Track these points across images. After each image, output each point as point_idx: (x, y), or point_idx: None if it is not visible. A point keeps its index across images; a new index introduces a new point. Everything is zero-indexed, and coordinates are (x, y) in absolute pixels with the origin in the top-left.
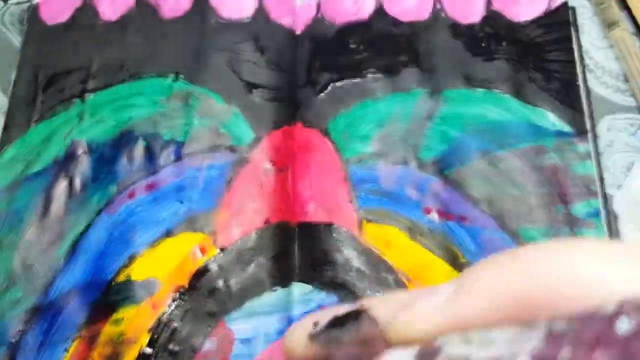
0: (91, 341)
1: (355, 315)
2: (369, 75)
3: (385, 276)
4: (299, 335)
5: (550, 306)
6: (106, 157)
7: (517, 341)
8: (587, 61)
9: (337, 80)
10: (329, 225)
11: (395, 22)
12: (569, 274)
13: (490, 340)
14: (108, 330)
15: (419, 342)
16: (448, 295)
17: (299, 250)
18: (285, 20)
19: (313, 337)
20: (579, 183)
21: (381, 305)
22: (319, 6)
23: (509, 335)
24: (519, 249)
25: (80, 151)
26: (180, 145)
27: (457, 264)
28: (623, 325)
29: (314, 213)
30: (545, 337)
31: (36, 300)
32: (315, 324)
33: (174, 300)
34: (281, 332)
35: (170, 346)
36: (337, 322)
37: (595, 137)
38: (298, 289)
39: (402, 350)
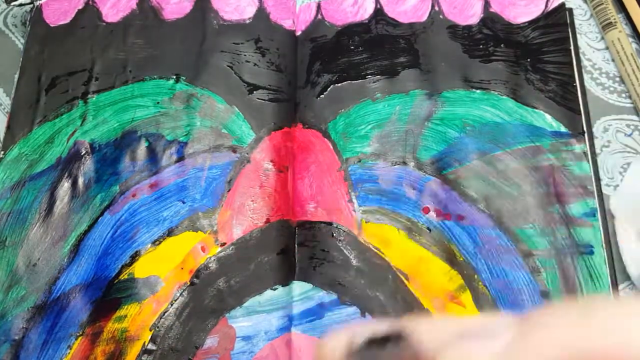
0: (94, 338)
1: (397, 339)
2: (369, 77)
3: (384, 275)
4: (333, 350)
5: None
6: (109, 157)
7: None
8: (584, 62)
9: (337, 82)
10: (328, 225)
11: (395, 23)
12: None
13: None
14: (111, 327)
15: None
16: (505, 343)
17: (299, 249)
18: (285, 22)
19: (351, 355)
20: (576, 183)
21: (427, 333)
22: (319, 8)
23: None
24: (586, 303)
25: (83, 151)
26: (182, 145)
27: (454, 263)
28: None
29: (314, 212)
30: None
31: (40, 298)
32: (352, 341)
33: (176, 298)
34: (281, 330)
35: (173, 343)
36: (377, 342)
37: (591, 137)
38: (298, 287)
39: None
